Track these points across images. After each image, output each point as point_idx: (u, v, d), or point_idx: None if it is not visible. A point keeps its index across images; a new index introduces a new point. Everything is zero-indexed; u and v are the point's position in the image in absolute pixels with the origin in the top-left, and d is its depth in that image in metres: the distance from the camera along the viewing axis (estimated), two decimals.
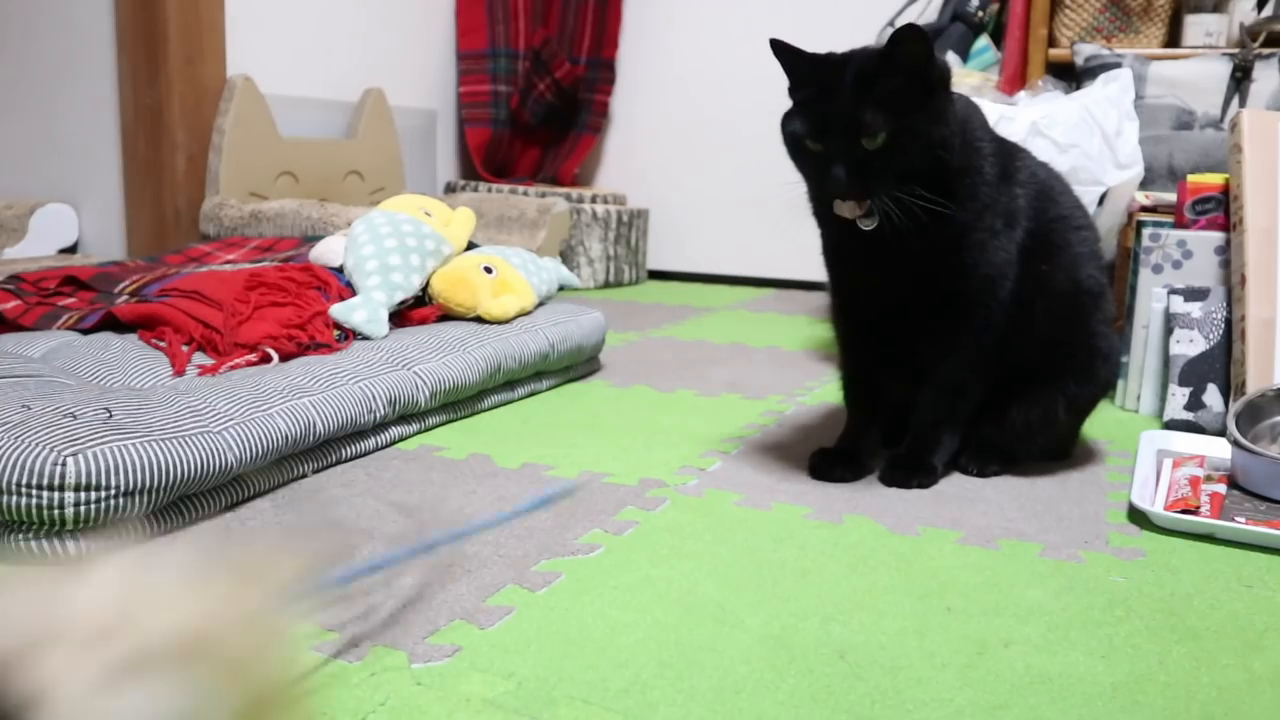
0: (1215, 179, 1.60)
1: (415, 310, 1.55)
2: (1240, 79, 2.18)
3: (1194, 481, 1.14)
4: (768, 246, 3.11)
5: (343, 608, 0.62)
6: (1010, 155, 1.19)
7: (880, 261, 1.12)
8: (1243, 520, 1.04)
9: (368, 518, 1.01)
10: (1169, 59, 2.28)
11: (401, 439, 1.30)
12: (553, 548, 0.95)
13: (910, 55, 1.01)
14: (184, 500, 0.98)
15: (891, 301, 1.17)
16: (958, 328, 1.16)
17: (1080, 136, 1.70)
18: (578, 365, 1.70)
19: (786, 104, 1.09)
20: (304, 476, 1.14)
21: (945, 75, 1.05)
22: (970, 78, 2.23)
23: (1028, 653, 0.77)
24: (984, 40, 2.57)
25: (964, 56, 2.53)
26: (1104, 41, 2.42)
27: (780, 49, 1.07)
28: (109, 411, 0.97)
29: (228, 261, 1.85)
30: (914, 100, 1.02)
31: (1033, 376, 1.20)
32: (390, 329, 1.46)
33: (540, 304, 1.70)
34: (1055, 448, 1.28)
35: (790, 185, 1.13)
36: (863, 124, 1.01)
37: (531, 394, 1.58)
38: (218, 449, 0.99)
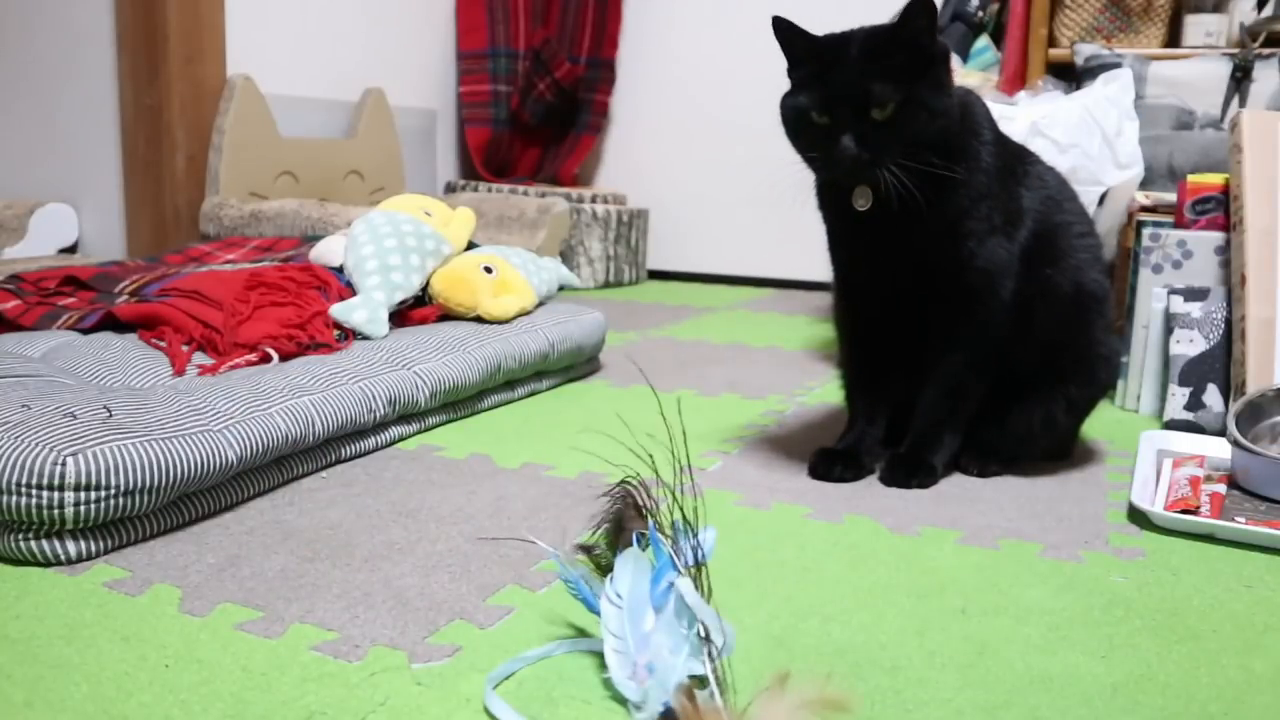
0: (1215, 179, 1.60)
1: (415, 310, 1.55)
2: (1240, 79, 2.18)
3: (1194, 481, 1.14)
4: (768, 246, 3.11)
5: None
6: (1018, 157, 1.20)
7: (881, 249, 1.14)
8: (1243, 520, 1.04)
9: (368, 517, 1.01)
10: (1169, 59, 2.28)
11: (401, 439, 1.30)
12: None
13: (916, 29, 1.04)
14: (184, 499, 0.98)
15: (893, 296, 1.17)
16: (959, 325, 1.16)
17: (1080, 136, 1.70)
18: (578, 365, 1.70)
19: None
20: (304, 476, 1.14)
21: (945, 50, 1.08)
22: (970, 78, 2.23)
23: (1028, 653, 0.77)
24: (984, 40, 2.57)
25: (964, 56, 2.53)
26: (1104, 41, 2.42)
27: (781, 27, 1.09)
28: (109, 411, 0.97)
29: (228, 261, 1.85)
30: (918, 71, 1.05)
31: (1034, 379, 1.20)
32: (390, 329, 1.46)
33: (540, 304, 1.70)
34: (1056, 449, 1.28)
35: (795, 170, 1.13)
36: (872, 95, 1.03)
37: (531, 394, 1.58)
38: (217, 448, 0.99)
